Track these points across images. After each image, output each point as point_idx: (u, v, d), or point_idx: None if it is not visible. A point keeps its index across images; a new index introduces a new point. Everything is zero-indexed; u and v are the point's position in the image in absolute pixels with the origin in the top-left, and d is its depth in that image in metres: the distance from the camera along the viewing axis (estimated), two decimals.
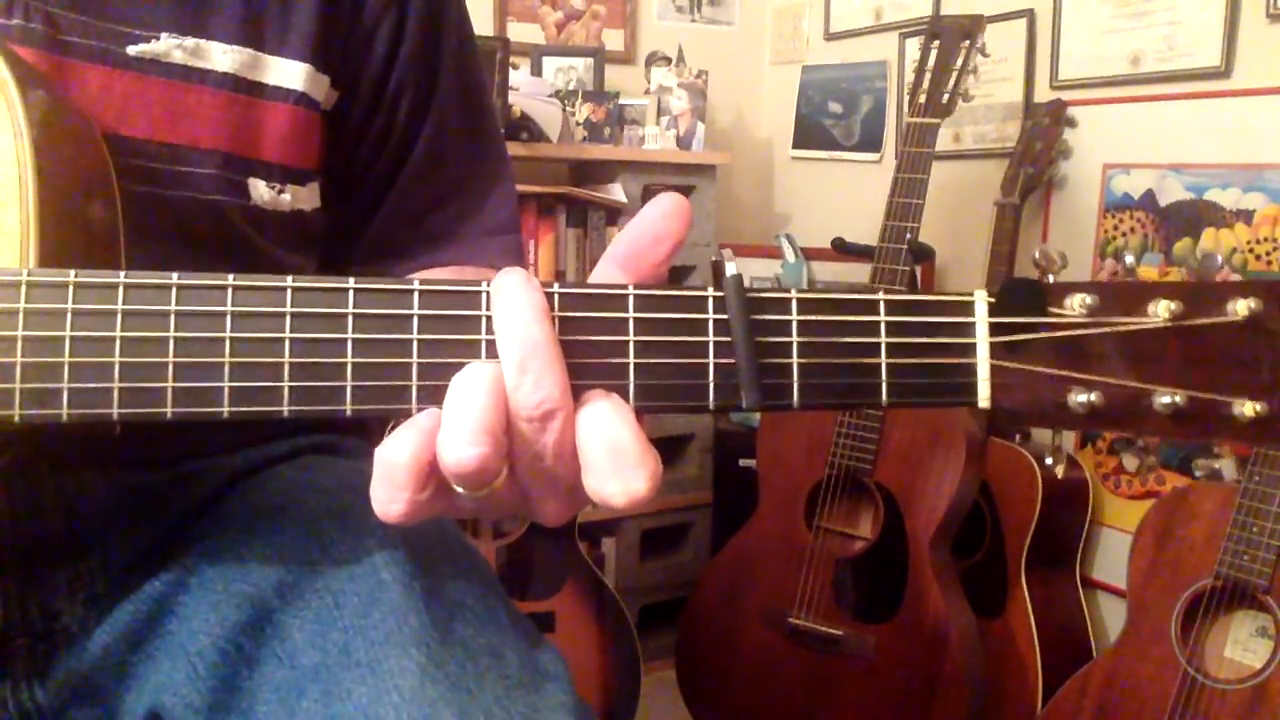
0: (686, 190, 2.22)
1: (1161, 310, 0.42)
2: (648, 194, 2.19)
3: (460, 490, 0.39)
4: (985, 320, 0.44)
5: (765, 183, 2.69)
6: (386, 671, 0.50)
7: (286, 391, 0.42)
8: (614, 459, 0.39)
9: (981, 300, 0.44)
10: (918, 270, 2.00)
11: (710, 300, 0.43)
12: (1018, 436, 1.94)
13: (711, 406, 0.43)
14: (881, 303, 0.44)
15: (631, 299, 0.42)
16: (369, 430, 0.75)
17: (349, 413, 0.42)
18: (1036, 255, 0.45)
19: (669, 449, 2.29)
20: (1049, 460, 0.48)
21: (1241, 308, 0.42)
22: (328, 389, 0.42)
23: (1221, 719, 1.34)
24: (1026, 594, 1.69)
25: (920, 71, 1.72)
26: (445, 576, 0.57)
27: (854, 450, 1.67)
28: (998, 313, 0.44)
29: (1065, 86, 1.91)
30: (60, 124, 0.47)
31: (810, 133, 2.54)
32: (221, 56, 0.58)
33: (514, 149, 1.96)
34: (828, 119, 2.49)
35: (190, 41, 0.57)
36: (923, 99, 1.69)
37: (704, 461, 2.28)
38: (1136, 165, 1.80)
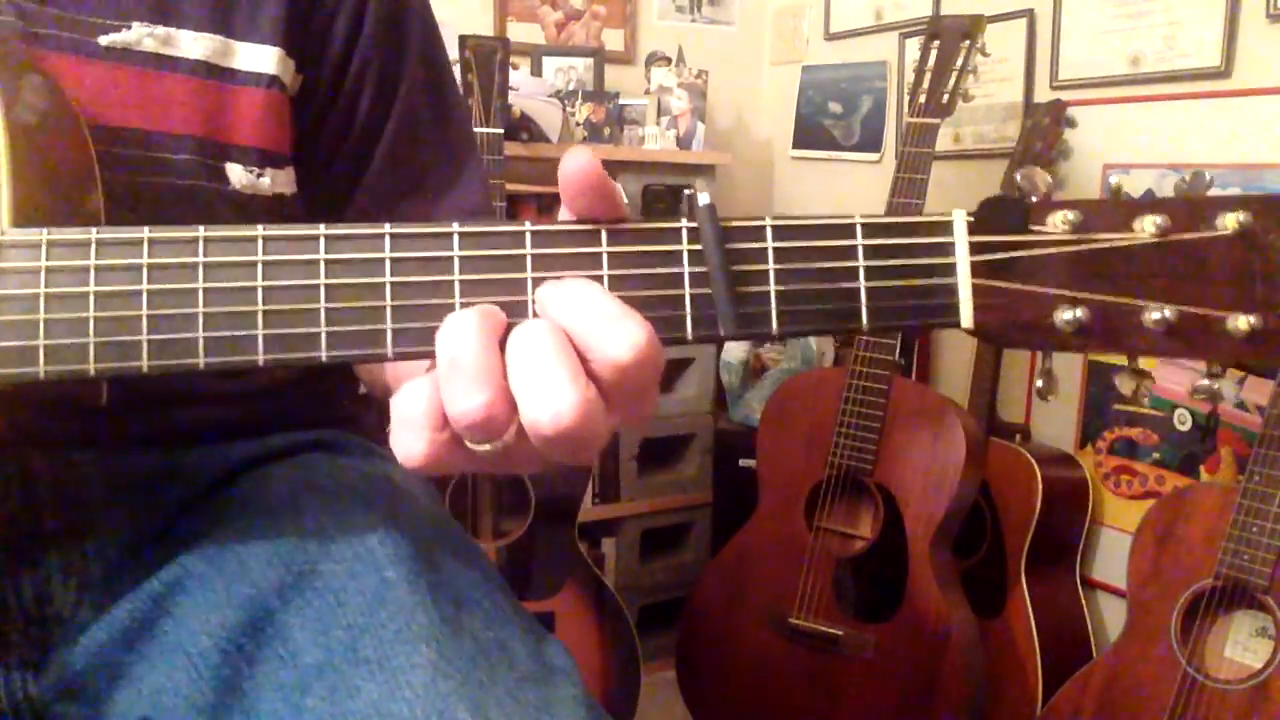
0: (686, 189, 2.21)
1: (1148, 225, 0.41)
2: (648, 194, 2.19)
3: (473, 447, 0.39)
4: (965, 239, 0.43)
5: (765, 183, 2.69)
6: (397, 668, 0.50)
7: (261, 340, 0.42)
8: (602, 323, 0.39)
9: (961, 219, 0.43)
10: None
11: (684, 231, 0.43)
12: (1018, 437, 1.94)
13: (690, 337, 0.43)
14: (858, 226, 0.43)
15: (604, 233, 0.42)
16: (369, 428, 0.75)
17: (324, 359, 0.42)
18: (1020, 178, 0.43)
19: (669, 449, 2.29)
20: (1039, 383, 0.46)
21: (1230, 221, 0.41)
22: (302, 336, 0.42)
23: (1221, 719, 1.34)
24: (1026, 594, 1.69)
25: (920, 71, 1.72)
26: (451, 573, 0.57)
27: (854, 450, 1.67)
28: (978, 232, 0.43)
29: (1065, 86, 1.91)
30: (46, 112, 0.47)
31: (810, 133, 2.54)
32: (192, 44, 0.59)
33: (514, 149, 1.96)
34: (828, 119, 2.49)
35: (161, 30, 0.58)
36: (923, 99, 1.69)
37: (704, 461, 2.28)
38: (1136, 165, 1.80)
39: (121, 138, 0.57)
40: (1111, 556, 1.82)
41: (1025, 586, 1.70)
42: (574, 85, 2.31)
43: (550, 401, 0.38)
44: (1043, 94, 1.95)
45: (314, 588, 0.54)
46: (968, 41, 1.68)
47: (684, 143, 2.27)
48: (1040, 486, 1.69)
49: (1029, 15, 1.98)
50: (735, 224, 0.43)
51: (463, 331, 0.40)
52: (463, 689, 0.49)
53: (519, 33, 2.34)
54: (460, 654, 0.51)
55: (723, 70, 2.49)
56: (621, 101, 2.27)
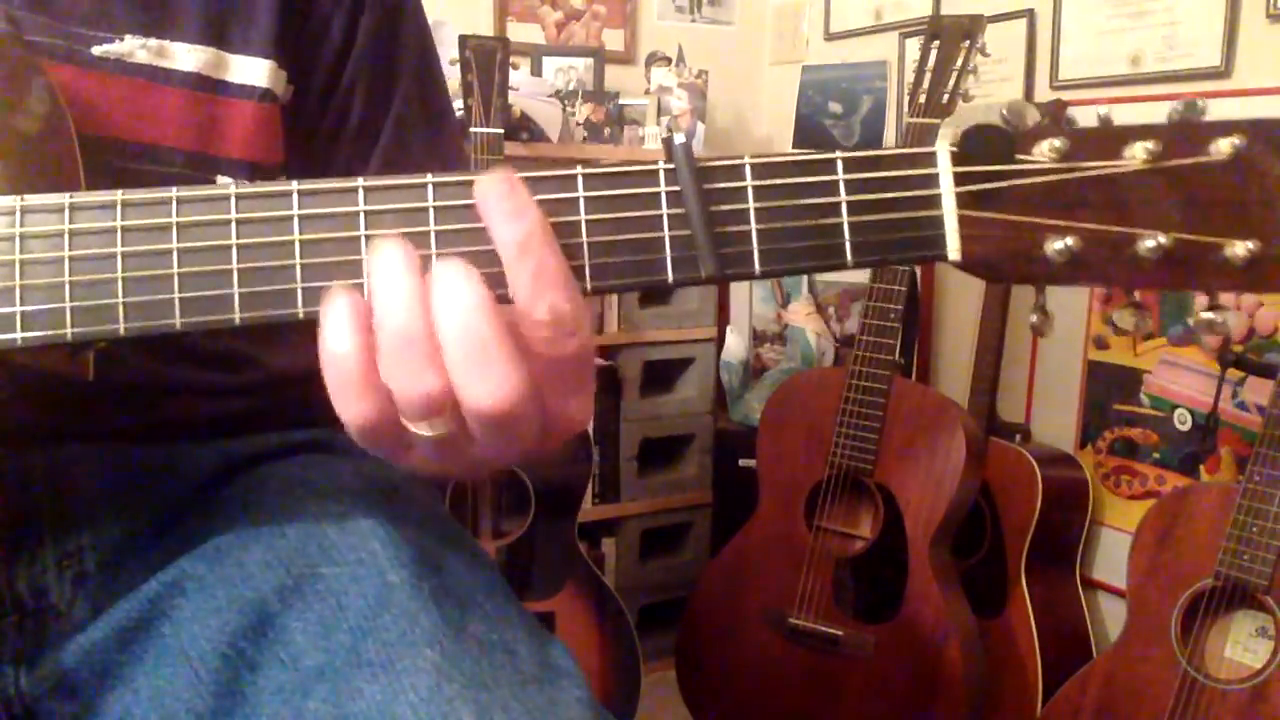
0: None
1: (1139, 152, 0.40)
2: None
3: (417, 430, 0.40)
4: (950, 170, 0.42)
5: None
6: (401, 671, 0.49)
7: (237, 299, 0.42)
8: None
9: (944, 150, 0.42)
10: (918, 270, 2.00)
11: (661, 173, 0.42)
12: (1018, 437, 1.94)
13: (670, 280, 0.42)
14: (839, 161, 0.42)
15: (580, 179, 0.42)
16: None
17: (301, 315, 0.42)
18: (1005, 110, 0.42)
19: (669, 449, 2.29)
20: (1034, 318, 0.44)
21: (1225, 146, 0.39)
22: (278, 293, 0.42)
23: (1222, 719, 1.34)
24: (1026, 594, 1.70)
25: (920, 71, 1.72)
26: (453, 575, 0.57)
27: (854, 450, 1.67)
28: (962, 163, 0.42)
29: (1065, 86, 1.91)
30: (41, 120, 0.47)
31: (810, 133, 2.54)
32: (185, 56, 0.59)
33: (514, 149, 1.96)
34: (828, 119, 2.49)
35: (154, 42, 0.58)
36: (923, 99, 1.69)
37: (704, 461, 2.28)
38: None
39: (111, 148, 0.57)
40: (1111, 556, 1.82)
41: (1025, 586, 1.70)
42: (574, 85, 2.30)
43: (491, 382, 0.39)
44: (1043, 94, 1.95)
45: (315, 590, 0.54)
46: (968, 41, 1.68)
47: None
48: (1040, 486, 1.69)
49: (1029, 15, 1.98)
50: (713, 163, 0.42)
51: (410, 299, 0.39)
52: (467, 691, 0.49)
53: (519, 33, 2.34)
54: (464, 656, 0.51)
55: (723, 70, 2.49)
56: (621, 101, 2.27)
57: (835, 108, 2.47)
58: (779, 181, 0.42)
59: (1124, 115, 1.68)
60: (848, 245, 0.42)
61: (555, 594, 1.77)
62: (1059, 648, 1.70)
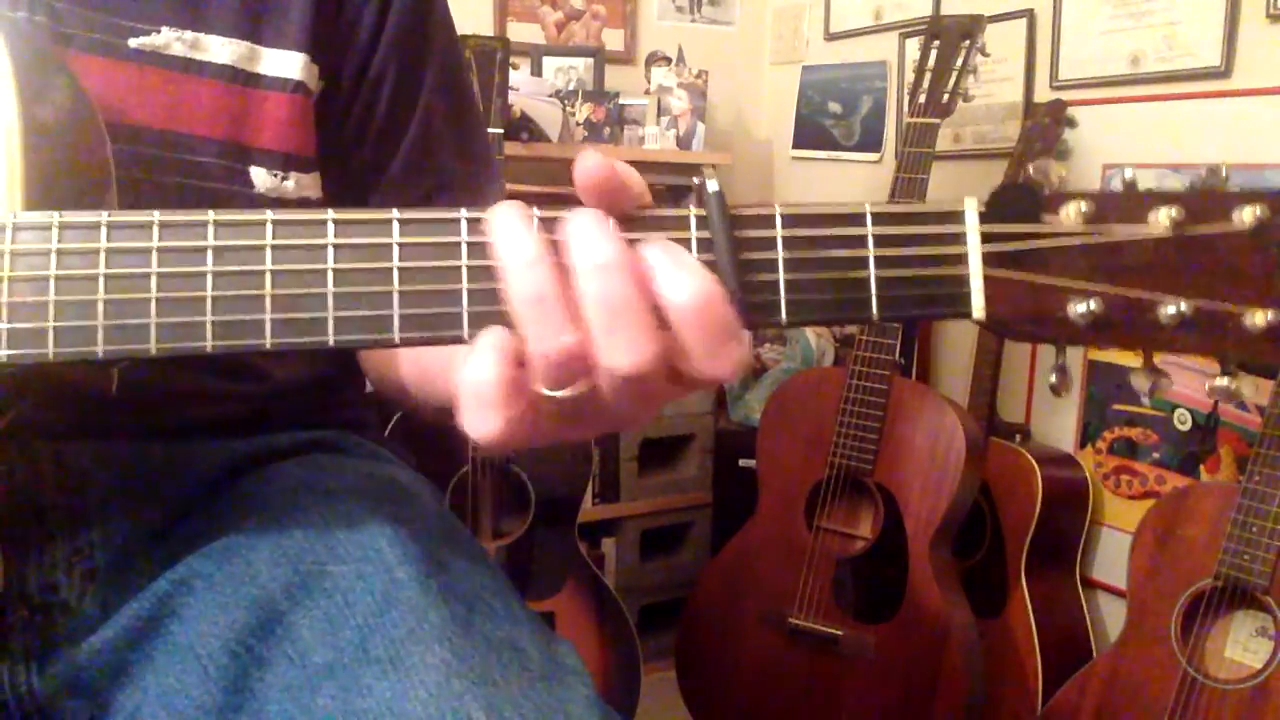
0: (686, 190, 2.21)
1: (1163, 218, 0.40)
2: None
3: (552, 393, 0.40)
4: (976, 229, 0.42)
5: (765, 183, 2.69)
6: (410, 667, 0.49)
7: (269, 324, 0.42)
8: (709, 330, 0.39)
9: (972, 209, 0.42)
10: None
11: (693, 219, 0.42)
12: (1018, 437, 1.94)
13: None
14: (868, 215, 0.43)
15: (612, 222, 0.42)
16: (366, 427, 0.75)
17: (331, 343, 0.42)
18: (1032, 170, 0.43)
19: (669, 449, 2.29)
20: (1053, 379, 0.45)
21: (1248, 215, 0.40)
22: (310, 320, 0.42)
23: (1222, 719, 1.34)
24: (1026, 594, 1.69)
25: (920, 71, 1.72)
26: (459, 572, 0.57)
27: (854, 450, 1.67)
28: (990, 221, 0.42)
29: (1065, 86, 1.91)
30: (61, 112, 0.48)
31: (810, 133, 2.54)
32: (220, 49, 0.61)
33: (514, 149, 1.96)
34: (828, 119, 2.49)
35: (189, 35, 0.60)
36: (923, 99, 1.69)
37: (704, 461, 2.28)
38: (1136, 165, 1.80)
39: (145, 137, 0.58)
40: (1111, 556, 1.82)
41: (1025, 586, 1.70)
42: (574, 85, 2.30)
43: (632, 347, 0.39)
44: (1043, 94, 1.95)
45: (322, 588, 0.54)
46: (968, 41, 1.68)
47: (684, 143, 2.27)
48: (1040, 486, 1.69)
49: (1029, 15, 1.98)
50: (745, 212, 0.42)
51: (538, 264, 0.40)
52: (477, 688, 0.49)
53: (519, 33, 2.34)
54: (473, 653, 0.51)
55: (723, 70, 2.49)
56: (621, 101, 2.27)
57: (835, 108, 2.47)
58: (809, 233, 0.43)
59: (1124, 115, 1.68)
60: (874, 300, 0.42)
61: (555, 594, 1.77)
62: (1059, 648, 1.70)
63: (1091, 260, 0.41)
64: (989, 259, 0.42)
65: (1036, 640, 1.67)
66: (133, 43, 0.58)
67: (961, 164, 2.12)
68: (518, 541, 1.76)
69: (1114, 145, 1.84)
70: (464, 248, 0.42)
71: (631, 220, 0.42)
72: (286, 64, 0.63)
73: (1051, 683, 1.61)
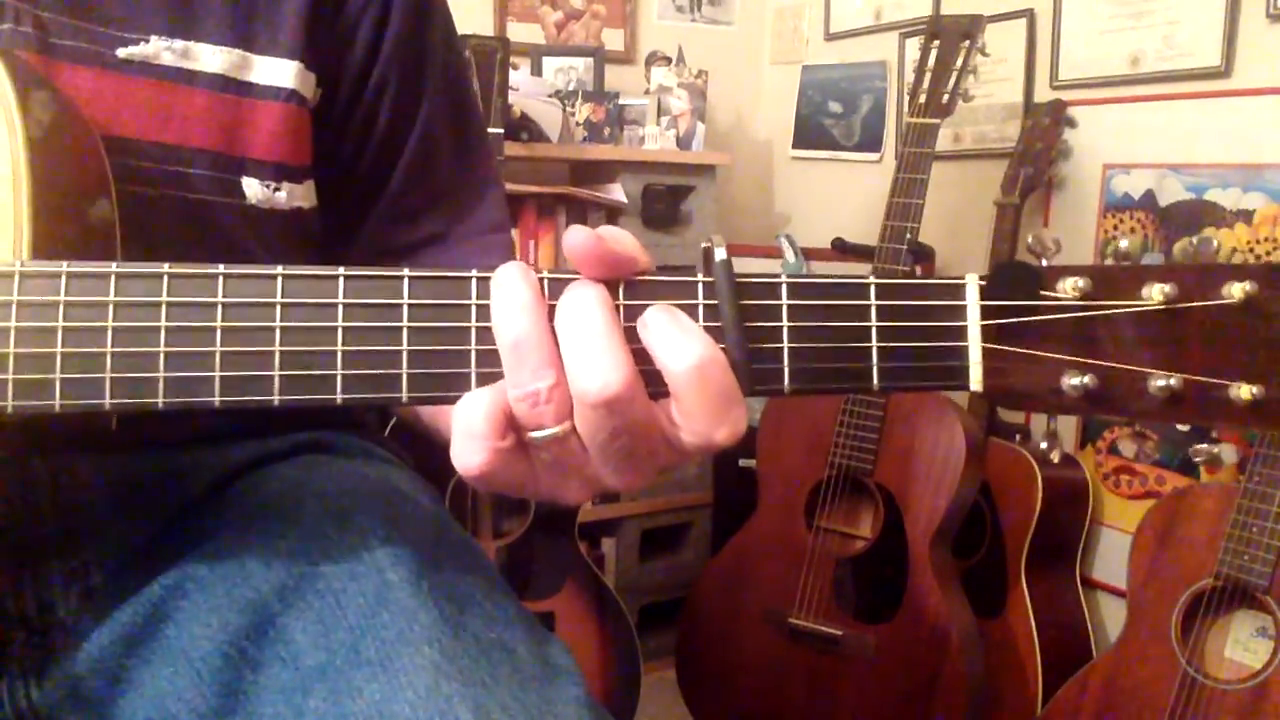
0: (686, 190, 2.22)
1: (1155, 293, 0.42)
2: (648, 194, 2.19)
3: (531, 434, 0.41)
4: (977, 303, 0.44)
5: (765, 183, 2.69)
6: (400, 669, 0.49)
7: (277, 381, 0.42)
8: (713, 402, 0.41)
9: (973, 283, 0.44)
10: (918, 270, 2.00)
11: (700, 286, 0.43)
12: (1018, 436, 1.94)
13: None
14: (872, 287, 0.44)
15: (621, 287, 0.43)
16: (365, 427, 0.74)
17: (339, 401, 0.42)
18: (1030, 240, 0.45)
19: None
20: (1044, 445, 0.47)
21: (1237, 290, 0.41)
22: (318, 378, 0.42)
23: (1221, 719, 1.34)
24: (1026, 594, 1.69)
25: (920, 71, 1.72)
26: (452, 573, 0.57)
27: (854, 450, 1.67)
28: (989, 296, 0.44)
29: (1065, 86, 1.91)
30: (59, 124, 0.47)
31: (810, 133, 2.54)
32: (211, 57, 0.59)
33: (514, 149, 1.96)
34: (828, 119, 2.49)
35: (179, 44, 0.58)
36: (923, 99, 1.69)
37: (704, 461, 2.28)
38: (1136, 165, 1.80)
39: (136, 150, 0.57)
40: (1111, 556, 1.82)
41: (1025, 586, 1.70)
42: (574, 85, 2.30)
43: (599, 369, 0.40)
44: (1043, 94, 1.95)
45: (315, 590, 0.54)
46: (968, 41, 1.68)
47: (684, 143, 2.27)
48: (1040, 486, 1.69)
49: (1029, 15, 1.98)
50: (751, 280, 0.43)
51: (521, 311, 0.41)
52: (466, 690, 0.49)
53: (519, 33, 2.34)
54: (463, 655, 0.51)
55: (723, 70, 2.49)
56: (621, 101, 2.27)
57: (835, 107, 2.47)
58: (813, 302, 0.44)
59: (1124, 115, 1.68)
60: (875, 370, 0.43)
61: (555, 594, 1.77)
62: (1059, 648, 1.69)
63: (1086, 334, 0.43)
64: (988, 333, 0.43)
65: (1036, 640, 1.67)
66: (121, 53, 0.56)
67: (961, 164, 2.12)
68: (518, 541, 1.76)
69: (1114, 145, 1.84)
70: (474, 309, 0.43)
71: (638, 287, 0.43)
72: (279, 72, 0.61)
73: (1051, 683, 1.60)
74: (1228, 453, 0.46)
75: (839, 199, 2.47)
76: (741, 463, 2.02)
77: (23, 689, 0.56)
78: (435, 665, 0.50)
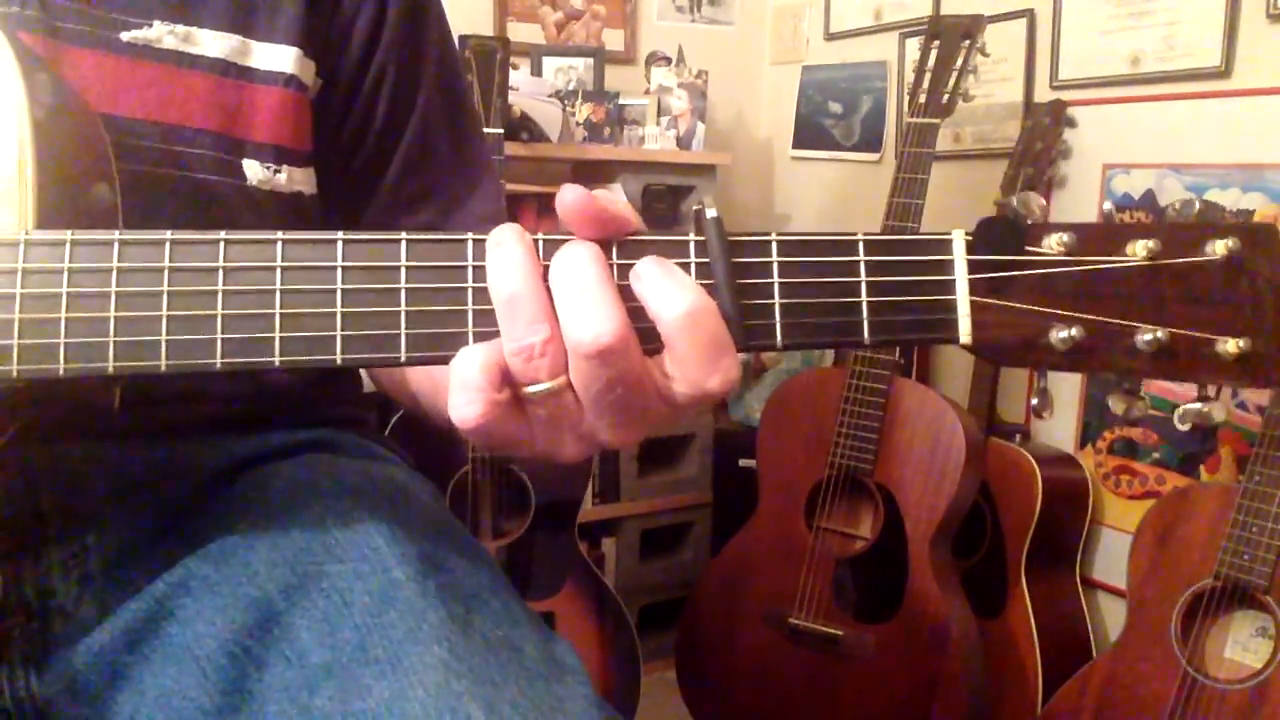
0: (686, 190, 2.22)
1: (1139, 249, 0.43)
2: (648, 194, 2.19)
3: (526, 388, 0.42)
4: (964, 258, 0.44)
5: (765, 183, 2.69)
6: (409, 668, 0.49)
7: (278, 342, 0.43)
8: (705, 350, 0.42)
9: (959, 239, 0.45)
10: None
11: (692, 244, 0.44)
12: (1018, 437, 1.94)
13: None
14: (860, 243, 0.45)
15: (614, 247, 0.44)
16: (365, 426, 0.74)
17: (339, 362, 0.43)
18: (1015, 201, 0.45)
19: (669, 449, 2.29)
20: (1035, 401, 0.48)
21: (1220, 248, 0.42)
22: (318, 339, 0.43)
23: (1221, 719, 1.34)
24: (1026, 594, 1.70)
25: (920, 71, 1.72)
26: (458, 572, 0.57)
27: (854, 450, 1.67)
28: (976, 251, 0.44)
29: (1065, 86, 1.91)
30: (62, 105, 0.48)
31: (810, 133, 2.54)
32: (212, 43, 0.61)
33: (514, 149, 1.96)
34: (828, 119, 2.49)
35: (181, 28, 0.60)
36: (923, 99, 1.69)
37: (704, 461, 2.28)
38: (1136, 165, 1.80)
39: (138, 129, 0.58)
40: (1111, 556, 1.82)
41: (1025, 586, 1.70)
42: (574, 85, 2.30)
43: (592, 320, 0.41)
44: (1043, 94, 1.95)
45: (320, 588, 0.54)
46: (968, 41, 1.68)
47: (684, 143, 2.27)
48: (1040, 486, 1.69)
49: (1029, 15, 1.98)
50: (742, 238, 0.44)
51: (515, 268, 0.42)
52: (476, 688, 0.49)
53: (519, 33, 2.34)
54: (472, 653, 0.51)
55: (723, 70, 2.49)
56: (621, 101, 2.27)
57: (835, 108, 2.47)
58: (804, 259, 0.44)
59: (1124, 115, 1.68)
60: (865, 324, 0.44)
61: (555, 594, 1.77)
62: (1059, 648, 1.70)
63: (1072, 289, 0.43)
64: (975, 286, 0.44)
65: (1036, 640, 1.67)
66: (125, 36, 0.58)
67: (961, 164, 2.12)
68: (518, 541, 1.76)
69: (1114, 145, 1.84)
70: (470, 270, 0.43)
71: (630, 247, 0.44)
72: (278, 58, 0.63)
73: (1051, 683, 1.61)
74: (1218, 411, 0.45)
75: (839, 199, 2.47)
76: (741, 463, 2.02)
77: (22, 678, 0.56)
78: (444, 663, 0.50)
